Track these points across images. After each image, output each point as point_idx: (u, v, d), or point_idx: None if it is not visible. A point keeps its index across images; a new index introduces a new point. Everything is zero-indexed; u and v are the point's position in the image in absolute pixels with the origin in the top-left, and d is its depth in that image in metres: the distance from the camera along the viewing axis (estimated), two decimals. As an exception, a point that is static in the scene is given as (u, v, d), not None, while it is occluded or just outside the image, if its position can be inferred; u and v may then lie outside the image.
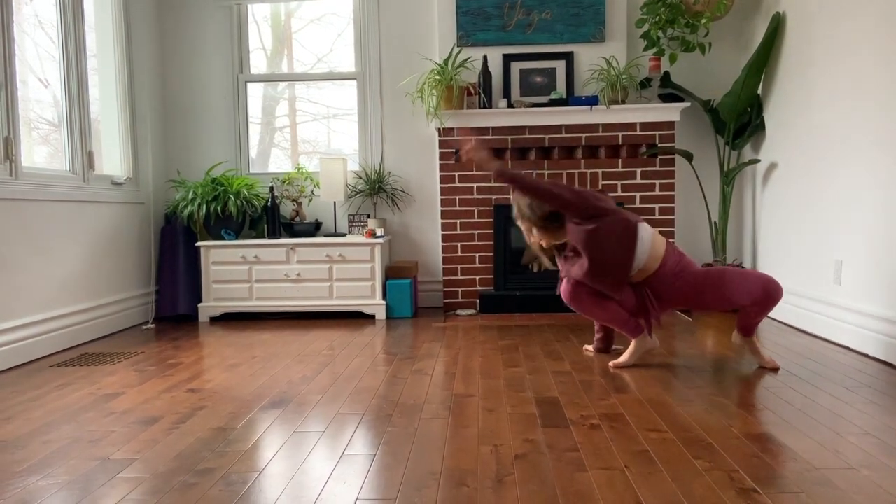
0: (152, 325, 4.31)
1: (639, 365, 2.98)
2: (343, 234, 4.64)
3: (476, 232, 4.54)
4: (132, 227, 4.37)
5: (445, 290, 4.57)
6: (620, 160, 4.48)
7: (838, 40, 3.40)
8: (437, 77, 4.32)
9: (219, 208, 4.37)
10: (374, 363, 3.14)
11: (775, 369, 2.86)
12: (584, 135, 4.45)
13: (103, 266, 4.03)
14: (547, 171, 4.48)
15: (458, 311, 4.51)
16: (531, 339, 3.60)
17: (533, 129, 4.46)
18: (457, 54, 4.36)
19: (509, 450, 1.98)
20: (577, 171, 4.48)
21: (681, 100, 4.49)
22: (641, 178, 4.47)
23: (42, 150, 3.91)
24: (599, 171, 4.48)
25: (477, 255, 4.55)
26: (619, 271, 2.86)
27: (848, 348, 3.24)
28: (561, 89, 4.54)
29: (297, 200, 4.70)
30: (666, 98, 4.49)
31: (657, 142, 4.44)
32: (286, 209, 4.79)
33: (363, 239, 4.37)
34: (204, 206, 4.36)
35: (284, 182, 4.72)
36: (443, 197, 4.53)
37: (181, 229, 4.54)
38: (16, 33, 3.37)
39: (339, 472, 1.84)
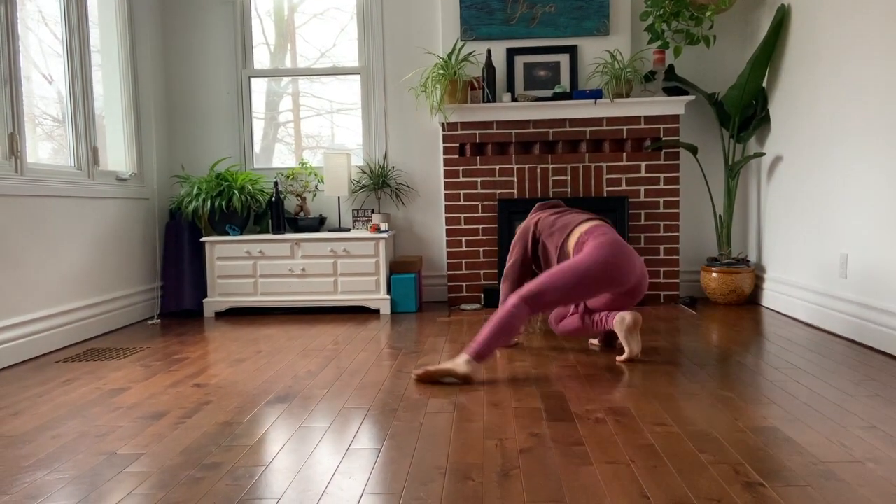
0: (158, 321, 4.33)
1: (643, 359, 2.98)
2: (347, 229, 4.64)
3: (480, 226, 4.54)
4: (137, 222, 4.38)
5: (450, 284, 4.57)
6: (625, 154, 4.47)
7: (844, 32, 3.38)
8: (441, 71, 4.32)
9: (223, 204, 4.37)
10: (378, 358, 3.15)
11: (629, 359, 2.94)
12: (588, 129, 4.45)
13: (108, 262, 4.04)
14: (551, 165, 4.48)
15: (463, 306, 4.51)
16: (535, 334, 3.60)
17: (537, 123, 4.46)
18: (460, 48, 4.35)
19: (514, 444, 1.98)
20: (581, 164, 4.48)
21: (685, 93, 4.48)
22: (646, 172, 4.46)
23: (46, 146, 3.92)
24: (604, 164, 4.47)
25: (481, 249, 4.55)
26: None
27: (853, 341, 3.23)
28: (565, 83, 4.53)
29: (302, 195, 4.71)
30: (670, 91, 4.48)
31: (662, 135, 4.42)
32: (290, 204, 4.80)
33: (367, 234, 4.37)
34: (208, 202, 4.36)
35: (288, 177, 4.72)
36: (447, 191, 4.53)
37: (186, 225, 4.55)
38: (20, 29, 3.37)
39: (344, 467, 1.85)
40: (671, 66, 4.51)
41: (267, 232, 4.67)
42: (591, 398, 2.42)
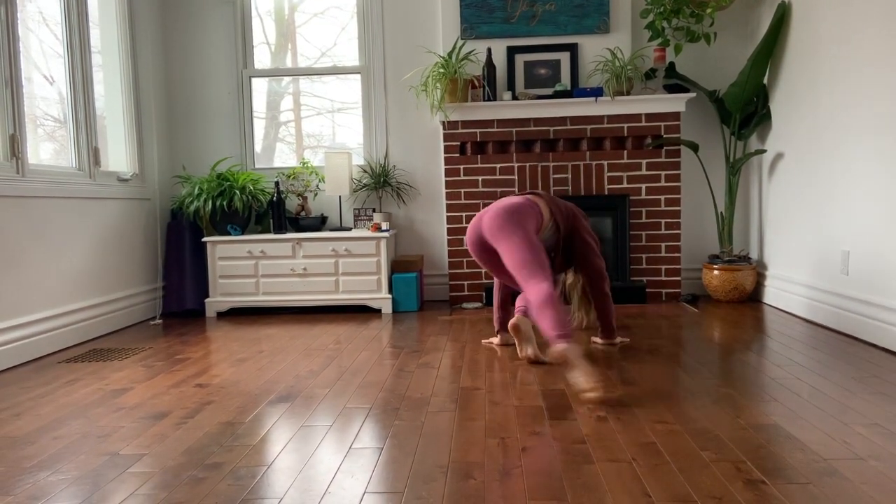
0: (159, 321, 4.33)
1: (645, 357, 2.98)
2: (349, 229, 4.64)
3: (481, 225, 4.53)
4: (138, 223, 4.39)
5: (451, 283, 4.57)
6: (626, 152, 4.46)
7: (844, 29, 3.38)
8: (441, 70, 4.31)
9: (224, 203, 4.37)
10: (380, 357, 3.15)
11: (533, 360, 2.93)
12: (588, 126, 4.44)
13: (110, 262, 4.05)
14: (552, 164, 4.47)
15: (465, 305, 4.51)
16: (537, 332, 3.60)
17: (538, 121, 4.45)
18: (461, 47, 4.35)
19: (516, 442, 1.98)
20: (582, 163, 4.47)
21: (686, 90, 4.47)
22: (647, 170, 4.46)
23: (48, 146, 3.93)
24: (605, 162, 4.47)
25: (482, 248, 4.54)
26: None
27: (855, 338, 3.23)
28: (565, 81, 4.53)
29: (303, 195, 4.71)
30: (671, 89, 4.47)
31: (663, 133, 4.42)
32: (291, 204, 4.80)
33: (369, 233, 4.37)
34: (210, 202, 4.37)
35: (290, 177, 4.73)
36: (448, 190, 4.52)
37: (187, 225, 4.56)
38: (21, 30, 3.37)
39: (346, 466, 1.85)
40: (672, 64, 4.51)
41: (268, 232, 4.67)
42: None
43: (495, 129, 4.47)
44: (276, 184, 4.52)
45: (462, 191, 4.53)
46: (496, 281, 3.27)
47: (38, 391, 2.72)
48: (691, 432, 2.03)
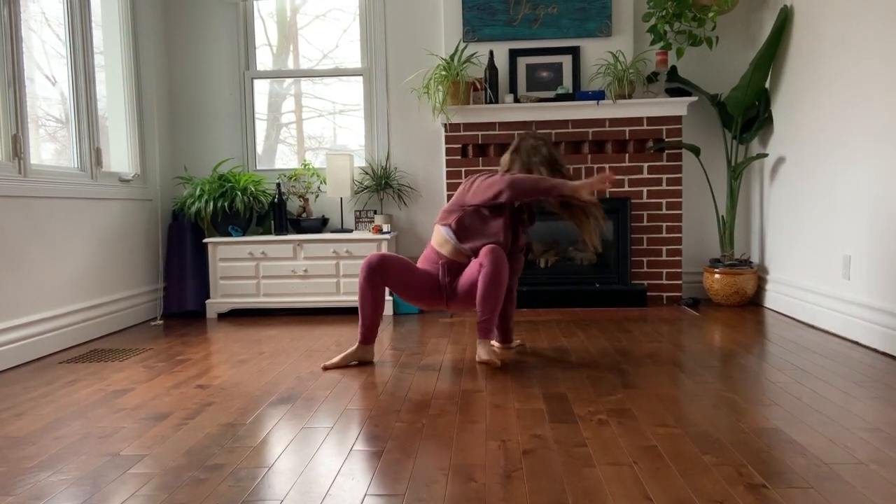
0: (160, 322, 4.33)
1: (646, 361, 2.98)
2: (350, 230, 4.64)
3: (483, 227, 4.53)
4: (140, 223, 4.39)
5: (452, 285, 4.56)
6: (627, 155, 4.47)
7: (847, 34, 3.38)
8: (443, 72, 4.32)
9: (226, 205, 4.38)
10: (381, 359, 3.15)
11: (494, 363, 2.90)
12: (590, 130, 4.45)
13: (111, 263, 4.05)
14: (553, 167, 4.47)
15: (465, 307, 4.50)
16: (538, 335, 3.60)
17: (539, 124, 4.46)
18: (463, 49, 4.35)
19: (517, 445, 1.98)
20: (584, 165, 4.48)
21: (688, 94, 4.48)
22: (648, 173, 4.46)
23: (49, 147, 3.93)
24: (606, 166, 4.47)
25: (483, 250, 4.54)
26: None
27: (856, 343, 3.23)
28: (567, 84, 4.53)
29: (304, 197, 4.71)
30: (673, 92, 4.48)
31: (664, 136, 4.42)
32: (293, 205, 4.80)
33: (370, 235, 4.37)
34: (211, 203, 4.37)
35: (291, 178, 4.73)
36: (449, 192, 4.53)
37: (188, 226, 4.56)
38: (23, 31, 3.38)
39: (347, 468, 1.85)
40: (674, 68, 4.51)
41: (269, 233, 4.67)
42: (594, 400, 2.42)
43: (497, 132, 4.48)
44: (278, 185, 4.52)
45: (463, 193, 4.52)
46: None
47: (39, 391, 2.72)
48: (692, 436, 2.02)
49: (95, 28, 4.04)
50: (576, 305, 4.40)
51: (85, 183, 3.82)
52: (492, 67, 4.43)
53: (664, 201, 4.47)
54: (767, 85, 4.32)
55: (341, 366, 3.00)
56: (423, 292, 3.00)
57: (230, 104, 4.88)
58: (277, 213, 4.51)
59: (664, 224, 4.48)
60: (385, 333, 3.73)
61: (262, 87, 4.97)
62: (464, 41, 4.52)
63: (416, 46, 4.75)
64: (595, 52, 4.52)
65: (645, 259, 4.51)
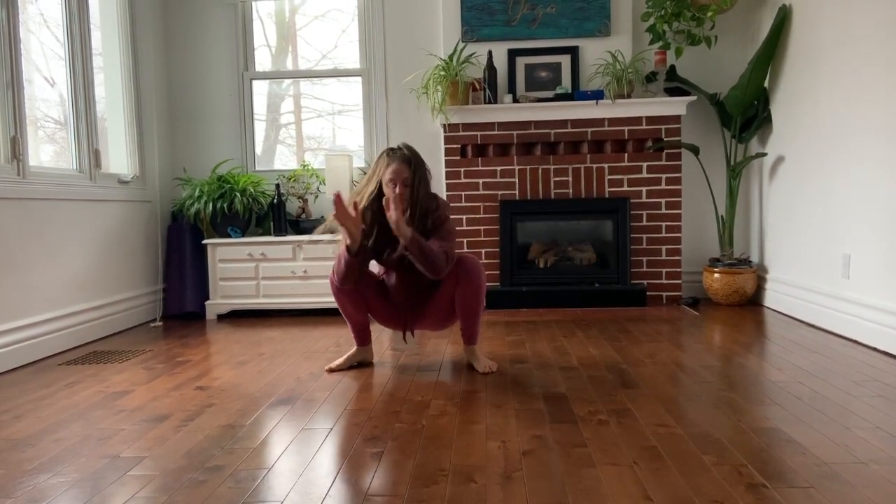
0: (160, 323, 4.33)
1: (646, 361, 2.98)
2: (349, 231, 4.64)
3: (482, 228, 4.54)
4: (139, 225, 4.39)
5: (452, 285, 4.56)
6: (626, 154, 4.47)
7: (845, 32, 3.38)
8: (442, 73, 4.32)
9: (225, 206, 4.37)
10: (380, 360, 3.15)
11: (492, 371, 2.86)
12: (589, 129, 4.44)
13: (111, 264, 4.05)
14: (553, 166, 4.48)
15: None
16: (538, 335, 3.60)
17: (538, 124, 4.45)
18: (461, 50, 4.35)
19: (517, 446, 1.98)
20: (582, 165, 4.48)
21: (687, 93, 4.48)
22: (647, 173, 4.46)
23: (48, 148, 3.93)
24: (605, 165, 4.47)
25: (483, 251, 4.54)
26: None
27: (856, 342, 3.23)
28: (566, 84, 4.53)
29: (303, 197, 4.71)
30: (672, 92, 4.48)
31: (663, 136, 4.42)
32: (292, 206, 4.80)
33: (369, 235, 4.36)
34: (210, 204, 4.37)
35: (290, 179, 4.72)
36: (448, 193, 4.52)
37: (188, 227, 4.55)
38: (21, 32, 3.37)
39: (347, 469, 1.85)
40: (672, 67, 4.51)
41: (269, 234, 4.67)
42: (594, 400, 2.42)
43: (496, 132, 4.47)
44: (277, 186, 4.52)
45: (462, 193, 4.53)
46: None
47: (38, 393, 2.72)
48: (692, 436, 2.02)
49: (94, 30, 4.03)
50: (575, 305, 4.40)
51: (84, 185, 3.82)
52: (490, 67, 4.43)
53: (663, 201, 4.47)
54: (766, 84, 4.32)
55: (344, 367, 3.00)
56: (382, 310, 2.98)
57: (229, 105, 4.88)
58: (277, 214, 4.51)
59: (663, 224, 4.48)
60: (384, 335, 3.72)
61: (260, 88, 4.97)
62: (462, 41, 4.52)
63: (414, 47, 4.75)
64: (594, 51, 4.52)
65: (644, 259, 4.50)
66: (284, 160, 5.06)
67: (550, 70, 4.56)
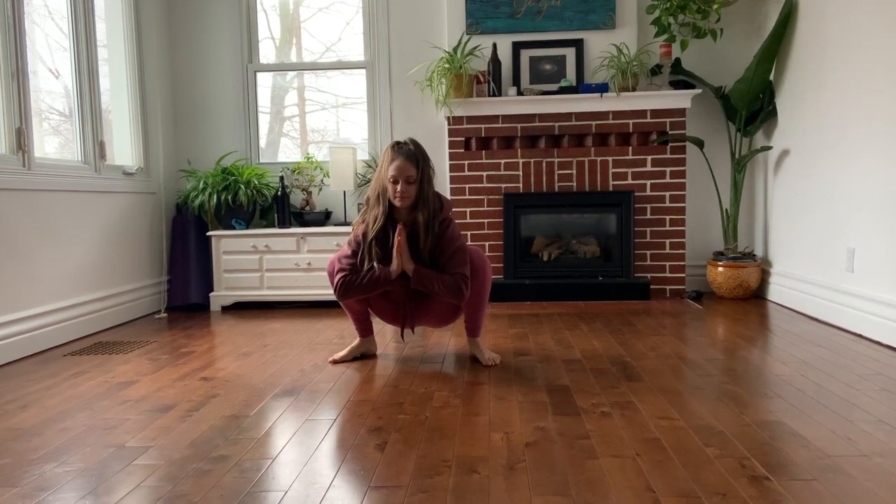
0: (164, 315, 4.34)
1: (649, 354, 2.98)
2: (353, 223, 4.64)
3: (486, 220, 4.54)
4: (143, 216, 4.40)
5: (455, 278, 4.56)
6: (631, 148, 4.45)
7: (850, 26, 3.36)
8: (447, 65, 4.31)
9: (229, 198, 4.38)
10: (384, 351, 3.15)
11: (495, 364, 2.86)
12: (594, 122, 4.43)
13: (115, 256, 4.06)
14: (557, 160, 4.47)
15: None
16: (541, 328, 3.61)
17: (543, 116, 4.45)
18: (466, 42, 4.34)
19: (520, 437, 1.98)
20: (587, 158, 4.47)
21: (692, 86, 4.46)
22: (652, 166, 4.45)
23: (53, 140, 3.93)
24: (610, 158, 4.46)
25: (487, 243, 4.54)
26: None
27: (860, 336, 3.22)
28: (571, 77, 4.52)
29: (307, 190, 4.71)
30: (677, 85, 4.46)
31: (668, 129, 4.41)
32: (296, 198, 4.80)
33: (373, 228, 4.36)
34: (214, 196, 4.37)
35: (294, 171, 4.73)
36: (452, 186, 4.52)
37: (192, 219, 4.56)
38: (26, 24, 3.38)
39: (351, 460, 1.85)
40: (677, 60, 4.50)
41: (273, 226, 4.67)
42: (597, 392, 2.42)
43: (500, 125, 4.47)
44: (281, 178, 4.52)
45: (466, 186, 4.52)
46: None
47: (43, 384, 2.73)
48: (695, 428, 2.03)
49: (99, 21, 4.03)
50: (579, 299, 4.40)
51: (89, 176, 3.83)
52: (495, 60, 4.42)
53: (668, 194, 4.46)
54: (772, 77, 4.31)
55: (348, 359, 3.01)
56: (382, 305, 2.97)
57: (233, 97, 4.88)
58: (281, 206, 4.51)
59: (668, 217, 4.47)
60: (388, 326, 3.73)
61: (264, 81, 4.96)
62: (467, 34, 4.51)
63: (419, 39, 4.74)
64: (599, 44, 4.51)
65: (648, 252, 4.50)
66: (288, 153, 5.06)
67: (555, 63, 4.54)
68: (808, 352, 2.94)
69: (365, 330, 3.03)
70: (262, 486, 1.70)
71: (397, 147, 2.73)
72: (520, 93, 4.46)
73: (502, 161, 4.50)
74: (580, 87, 4.39)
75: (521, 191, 4.52)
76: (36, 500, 1.65)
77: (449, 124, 4.49)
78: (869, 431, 1.97)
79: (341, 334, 3.57)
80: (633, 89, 4.35)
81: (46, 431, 2.15)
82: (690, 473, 1.70)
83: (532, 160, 4.49)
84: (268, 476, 1.76)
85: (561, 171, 4.49)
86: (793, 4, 4.00)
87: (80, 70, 3.81)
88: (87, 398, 2.51)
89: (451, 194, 4.51)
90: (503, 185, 4.51)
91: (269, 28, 5.00)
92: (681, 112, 4.40)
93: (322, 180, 4.79)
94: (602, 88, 4.33)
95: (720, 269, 4.36)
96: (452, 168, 4.52)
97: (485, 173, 4.52)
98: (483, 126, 4.48)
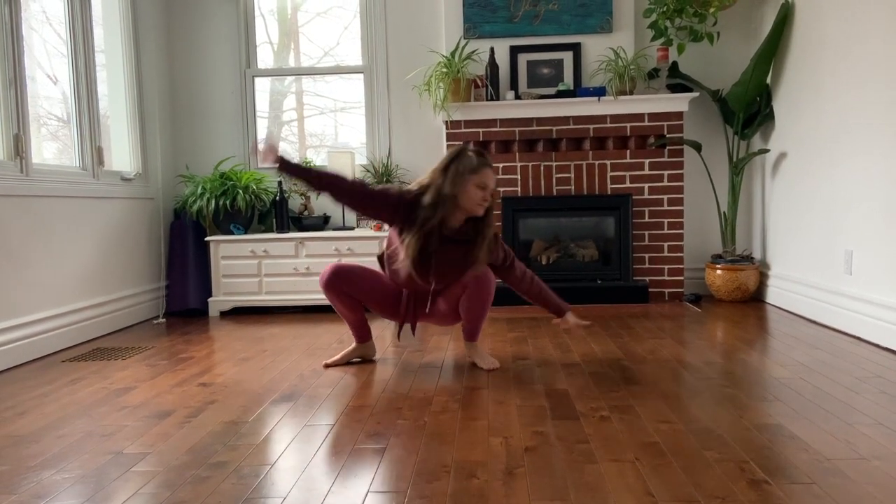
0: (163, 320, 4.34)
1: (648, 357, 2.98)
2: (351, 228, 4.64)
3: (484, 224, 4.53)
4: (142, 222, 4.39)
5: (454, 282, 4.56)
6: (629, 151, 4.46)
7: (847, 28, 3.37)
8: (444, 70, 4.31)
9: (227, 203, 4.38)
10: (383, 356, 3.15)
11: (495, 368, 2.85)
12: (591, 126, 4.44)
13: (113, 261, 4.05)
14: (555, 163, 4.47)
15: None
16: (540, 332, 3.60)
17: (540, 120, 4.45)
18: (463, 46, 4.35)
19: (519, 442, 1.98)
20: (585, 162, 4.47)
21: (689, 90, 4.47)
22: (650, 170, 4.46)
23: (51, 146, 3.93)
24: (608, 162, 4.46)
25: (485, 247, 4.53)
26: None
27: (859, 338, 3.23)
28: (568, 81, 4.53)
29: (306, 195, 4.71)
30: (674, 88, 4.47)
31: (665, 132, 4.42)
32: (294, 203, 4.80)
33: (371, 232, 4.37)
34: (213, 201, 4.37)
35: (292, 176, 4.72)
36: (451, 190, 4.52)
37: (190, 224, 4.56)
38: (24, 30, 3.38)
39: (349, 465, 1.85)
40: (675, 63, 4.50)
41: (271, 231, 4.67)
42: (596, 396, 2.42)
43: (498, 129, 4.47)
44: (279, 183, 4.52)
45: (465, 190, 4.52)
46: None
47: (41, 390, 2.73)
48: (694, 432, 2.03)
49: (96, 27, 4.04)
50: (577, 302, 4.39)
51: (87, 182, 3.82)
52: (493, 64, 4.42)
53: (665, 197, 4.46)
54: (769, 80, 4.31)
55: (341, 363, 3.00)
56: (381, 304, 2.97)
57: (231, 102, 4.88)
58: (279, 211, 4.51)
59: (666, 220, 4.48)
60: (387, 331, 3.73)
61: (263, 85, 4.97)
62: (464, 38, 4.52)
63: (416, 44, 4.75)
64: (596, 48, 4.51)
65: (646, 255, 4.50)
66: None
67: (553, 67, 4.55)
68: (807, 354, 2.94)
69: (362, 336, 3.03)
70: (261, 492, 1.69)
71: (479, 156, 2.72)
72: (517, 97, 4.47)
73: (500, 165, 4.51)
74: (578, 90, 4.39)
75: (519, 194, 4.52)
76: (34, 508, 1.65)
77: (447, 128, 4.49)
78: (868, 434, 1.97)
79: (340, 339, 3.56)
80: (631, 93, 4.36)
81: (44, 438, 2.15)
82: (689, 477, 1.70)
83: (530, 164, 4.50)
84: (266, 482, 1.75)
85: (559, 175, 4.49)
86: (789, 7, 4.01)
87: (78, 76, 3.81)
88: (85, 404, 2.50)
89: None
90: (501, 189, 4.51)
91: (268, 33, 5.00)
92: (678, 115, 4.41)
93: (320, 185, 4.78)
94: (599, 92, 4.34)
95: (718, 271, 4.37)
96: (450, 172, 4.51)
97: (483, 177, 4.51)
98: (481, 130, 4.49)
